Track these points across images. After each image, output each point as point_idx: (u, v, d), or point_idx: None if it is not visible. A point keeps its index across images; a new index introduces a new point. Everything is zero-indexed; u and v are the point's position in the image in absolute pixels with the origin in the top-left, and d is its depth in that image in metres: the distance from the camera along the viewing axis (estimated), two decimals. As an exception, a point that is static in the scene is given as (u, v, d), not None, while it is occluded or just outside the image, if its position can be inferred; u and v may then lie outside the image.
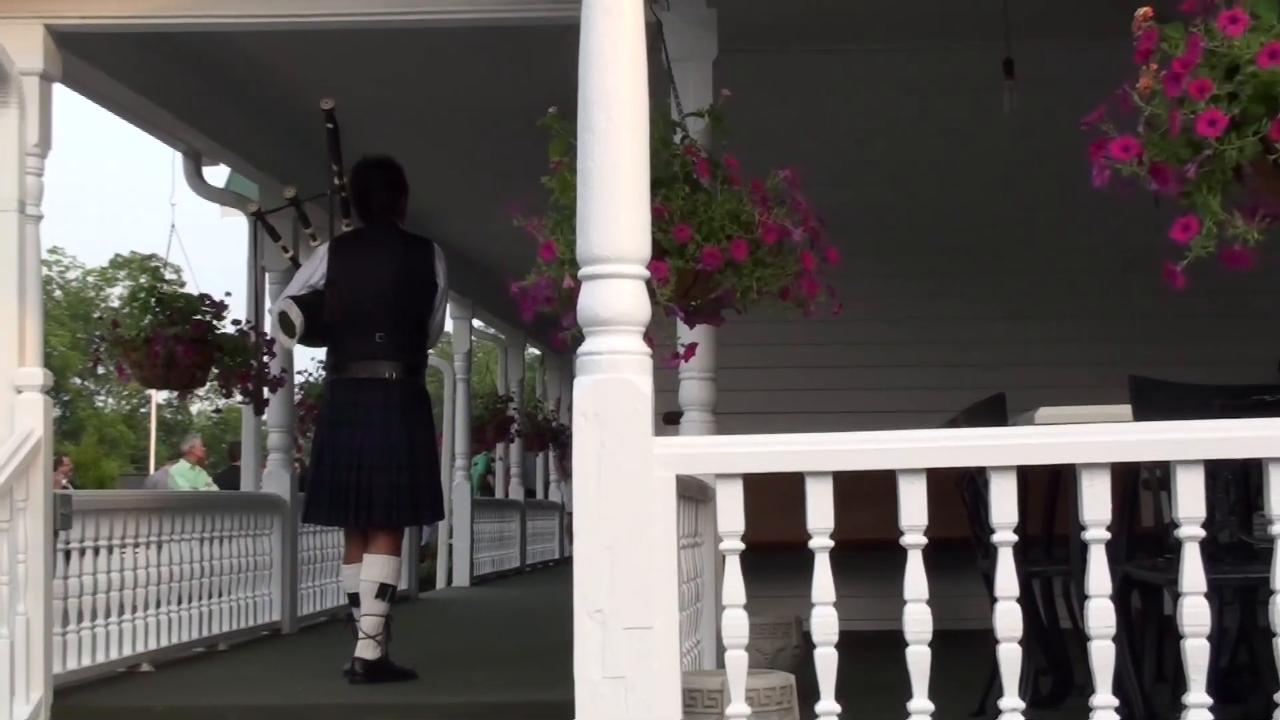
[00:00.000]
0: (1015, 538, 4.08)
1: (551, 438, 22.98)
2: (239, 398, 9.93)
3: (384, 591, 8.03)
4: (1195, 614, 3.98)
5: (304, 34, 8.04)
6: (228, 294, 9.60)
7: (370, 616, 7.98)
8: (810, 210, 4.97)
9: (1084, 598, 4.09)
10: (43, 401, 7.00)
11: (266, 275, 11.33)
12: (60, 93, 7.45)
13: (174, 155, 11.49)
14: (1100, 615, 4.01)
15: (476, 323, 19.56)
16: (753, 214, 4.88)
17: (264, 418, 11.28)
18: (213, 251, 17.33)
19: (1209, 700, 3.97)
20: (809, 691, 4.16)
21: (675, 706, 3.96)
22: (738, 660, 4.06)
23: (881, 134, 10.80)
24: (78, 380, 59.58)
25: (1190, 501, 4.00)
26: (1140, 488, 5.86)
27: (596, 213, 4.02)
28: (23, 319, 6.95)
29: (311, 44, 9.09)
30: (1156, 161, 3.73)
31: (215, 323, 9.26)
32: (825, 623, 4.06)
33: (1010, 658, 4.05)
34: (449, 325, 15.09)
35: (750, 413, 9.29)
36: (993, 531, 4.10)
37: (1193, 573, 3.99)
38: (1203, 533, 4.02)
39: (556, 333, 4.74)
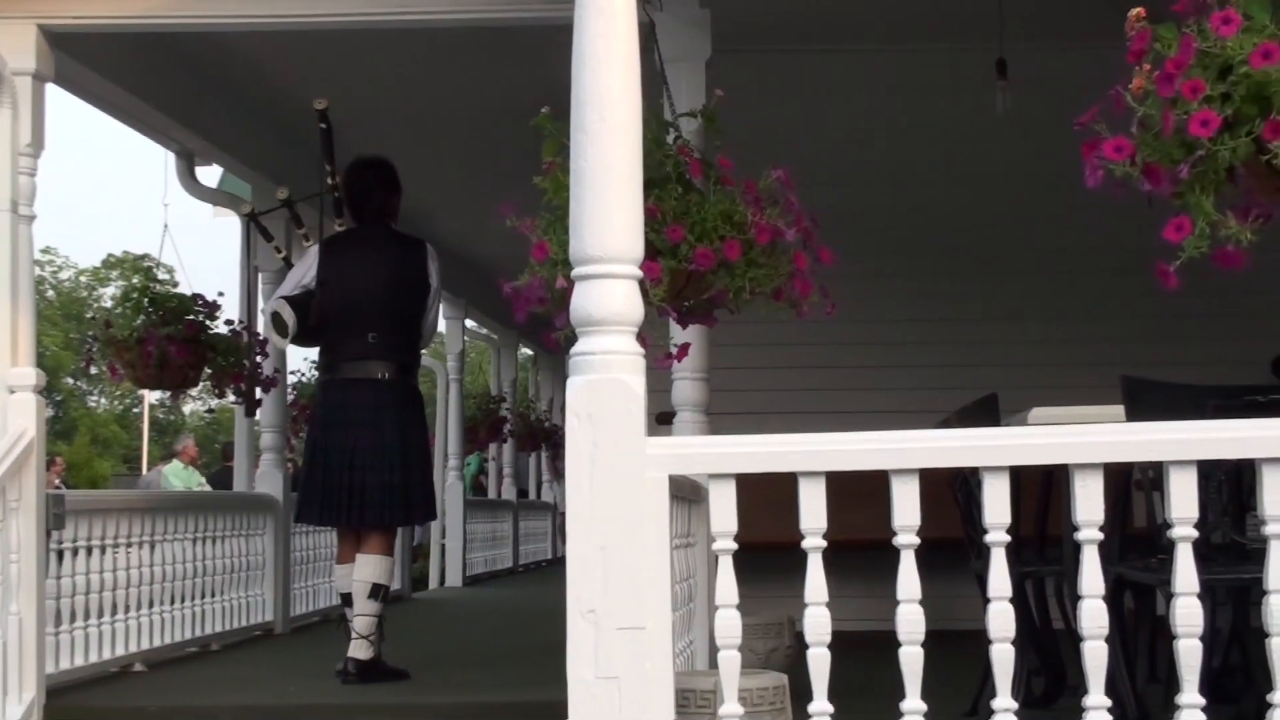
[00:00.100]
0: (1008, 538, 4.08)
1: (544, 438, 22.99)
2: (231, 398, 9.93)
3: (377, 591, 8.02)
4: (1188, 614, 3.98)
5: (297, 34, 8.04)
6: (220, 294, 9.60)
7: (363, 616, 7.98)
8: (803, 211, 4.98)
9: (1077, 598, 4.09)
10: (35, 401, 6.99)
11: (259, 275, 11.34)
12: (53, 92, 7.46)
13: (167, 155, 11.47)
14: (1093, 616, 4.02)
15: (469, 323, 19.56)
16: (746, 214, 4.88)
17: (256, 418, 11.27)
18: (205, 252, 17.36)
19: (1202, 701, 3.97)
20: (802, 692, 4.16)
21: (668, 707, 3.96)
22: (730, 660, 4.06)
23: (874, 134, 10.81)
24: (70, 380, 59.60)
25: (1183, 502, 4.00)
26: (1133, 488, 5.88)
27: (590, 213, 4.02)
28: (15, 319, 6.94)
29: (304, 44, 9.10)
30: (1149, 162, 3.73)
31: (208, 323, 9.25)
32: (818, 623, 4.06)
33: (1003, 658, 4.05)
34: (441, 325, 15.10)
35: (743, 413, 9.30)
36: (985, 532, 4.10)
37: (1185, 573, 3.99)
38: (1195, 533, 4.02)
39: (549, 333, 4.74)
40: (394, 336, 8.20)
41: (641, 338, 4.10)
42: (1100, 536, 4.05)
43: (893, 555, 4.07)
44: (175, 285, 9.41)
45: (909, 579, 4.05)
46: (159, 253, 10.38)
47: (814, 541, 4.07)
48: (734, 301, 5.02)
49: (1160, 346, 10.14)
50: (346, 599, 8.14)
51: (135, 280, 9.46)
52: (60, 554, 8.07)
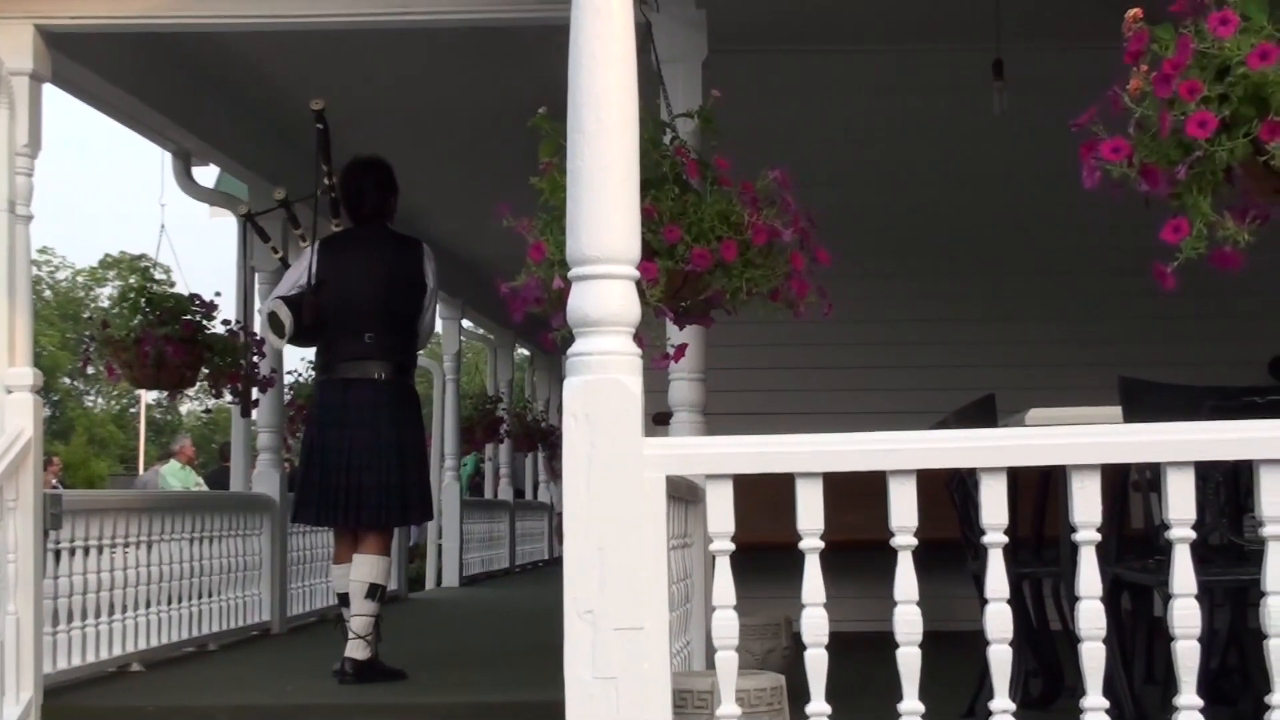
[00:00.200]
0: (1005, 539, 4.08)
1: (540, 438, 23.00)
2: (228, 398, 9.92)
3: (374, 591, 8.02)
4: (1185, 616, 3.98)
5: (294, 34, 8.03)
6: (217, 294, 9.60)
7: (360, 616, 7.98)
8: (800, 211, 4.97)
9: (1074, 599, 4.09)
10: (33, 401, 6.98)
11: (256, 275, 11.34)
12: (50, 92, 7.45)
13: (163, 155, 11.47)
14: (1091, 617, 4.02)
15: (466, 323, 19.56)
16: (742, 215, 4.88)
17: (253, 418, 11.27)
18: (202, 252, 17.36)
19: (1199, 702, 3.97)
20: (799, 692, 4.16)
21: (665, 707, 3.95)
22: (728, 661, 4.06)
23: (871, 135, 10.81)
24: (67, 380, 59.61)
25: (1180, 503, 4.00)
26: (1130, 489, 5.87)
27: (586, 213, 4.02)
28: (13, 319, 6.94)
29: (302, 44, 9.09)
30: (1147, 163, 3.73)
31: (205, 323, 9.25)
32: (815, 624, 4.06)
33: (1001, 659, 4.05)
34: (438, 326, 15.10)
35: (740, 413, 9.33)
36: (983, 533, 4.10)
37: (1183, 574, 3.99)
38: (1193, 534, 4.02)
39: (546, 333, 4.74)
40: (391, 337, 8.20)
41: (638, 338, 4.10)
42: (1098, 537, 4.05)
43: (890, 556, 4.07)
44: (172, 285, 9.41)
45: (906, 580, 4.05)
46: (156, 253, 10.38)
47: (811, 542, 4.07)
48: (731, 302, 5.01)
49: (1158, 347, 10.15)
50: (343, 599, 8.14)
51: (132, 280, 9.45)
52: (57, 554, 8.07)
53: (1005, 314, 10.85)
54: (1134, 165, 3.73)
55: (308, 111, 8.37)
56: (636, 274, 4.10)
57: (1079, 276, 10.80)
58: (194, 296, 9.35)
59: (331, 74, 9.97)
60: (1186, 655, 3.97)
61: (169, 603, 9.44)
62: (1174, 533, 4.00)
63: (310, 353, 9.08)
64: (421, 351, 8.85)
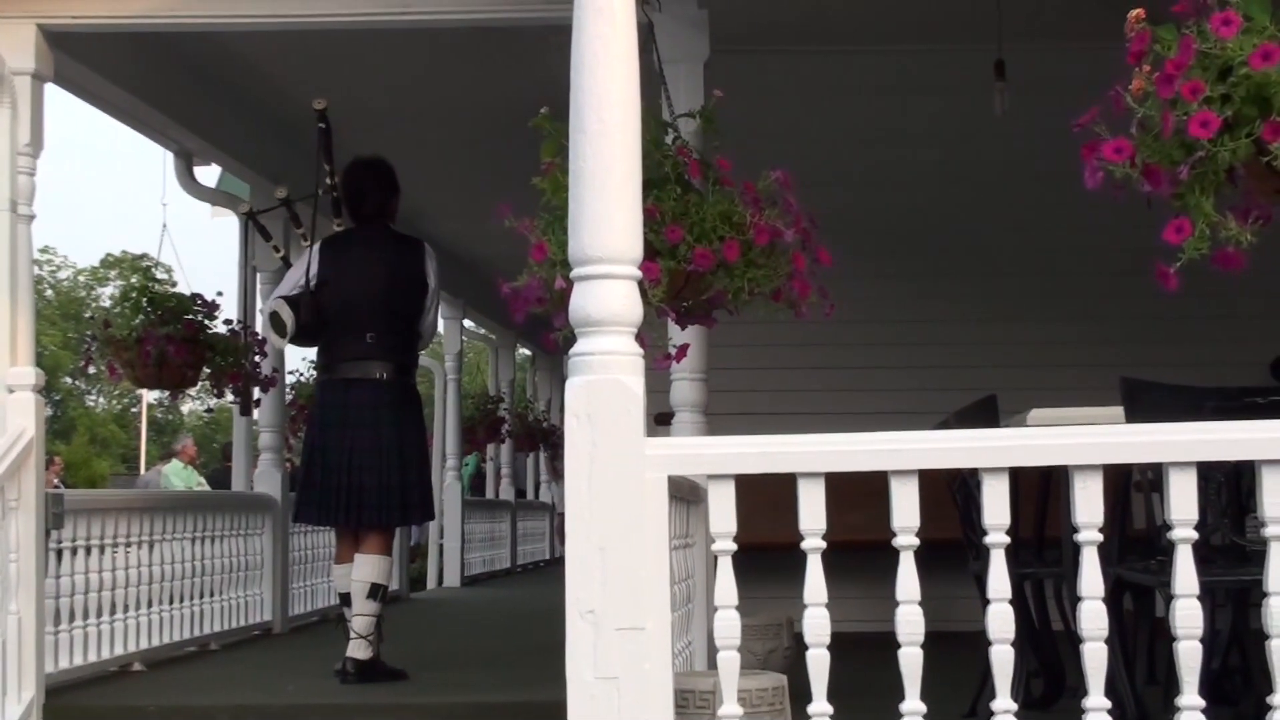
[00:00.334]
0: (1007, 539, 4.08)
1: (542, 438, 23.01)
2: (230, 398, 9.93)
3: (375, 591, 8.02)
4: (1188, 616, 3.98)
5: (296, 34, 8.03)
6: (219, 294, 9.59)
7: (362, 616, 7.98)
8: (802, 211, 4.97)
9: (1076, 599, 4.09)
10: (35, 401, 6.98)
11: (257, 275, 11.34)
12: (52, 92, 7.45)
13: (165, 155, 11.47)
14: (1093, 617, 4.01)
15: (467, 323, 19.56)
16: (744, 215, 4.88)
17: (255, 417, 11.28)
18: (204, 252, 17.37)
19: (1201, 702, 3.97)
20: (801, 693, 4.15)
21: (667, 707, 3.95)
22: (730, 661, 4.06)
23: (872, 135, 10.81)
24: (69, 380, 59.61)
25: (1182, 503, 4.00)
26: (1132, 490, 5.87)
27: (589, 213, 4.02)
28: (14, 318, 6.94)
29: (304, 44, 9.09)
30: (1149, 163, 3.73)
31: (207, 322, 9.25)
32: (817, 624, 4.06)
33: (1003, 659, 4.05)
34: (440, 326, 15.08)
35: (742, 414, 9.33)
36: (985, 533, 4.10)
37: (1185, 575, 3.99)
38: (1195, 535, 4.02)
39: (548, 333, 4.73)
40: (392, 337, 8.20)
41: (640, 338, 4.10)
42: (1100, 538, 4.05)
43: (892, 556, 4.07)
44: (174, 285, 9.40)
45: (908, 580, 4.05)
46: (157, 252, 10.39)
47: (813, 542, 4.07)
48: (733, 302, 5.01)
49: (1159, 348, 10.15)
50: (345, 599, 8.14)
51: (134, 280, 9.45)
52: (59, 553, 8.07)
53: (1007, 314, 10.85)
54: (1136, 166, 3.73)
55: (309, 111, 8.37)
56: (638, 274, 4.09)
57: (1081, 277, 10.80)
58: (196, 296, 9.35)
59: (333, 74, 9.97)
60: (1188, 656, 3.97)
61: (170, 602, 9.45)
62: (1176, 533, 4.00)
63: (312, 353, 9.09)
64: (423, 351, 8.85)
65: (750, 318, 5.23)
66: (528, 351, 26.86)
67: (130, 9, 7.22)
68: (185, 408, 52.82)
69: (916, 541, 4.07)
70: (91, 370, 9.87)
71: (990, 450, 4.15)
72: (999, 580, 4.07)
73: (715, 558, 4.11)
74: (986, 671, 4.22)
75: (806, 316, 5.16)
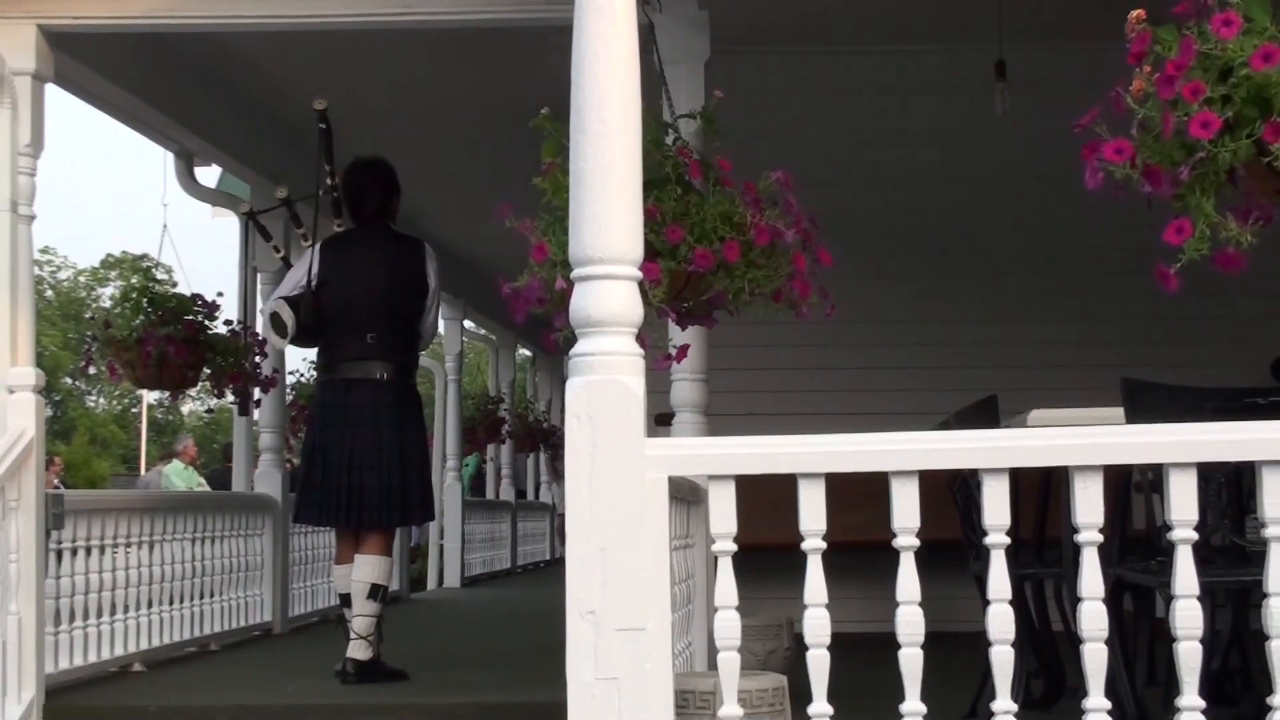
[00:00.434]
0: (1008, 540, 4.08)
1: (542, 439, 23.01)
2: (230, 398, 9.93)
3: (375, 592, 8.02)
4: (1188, 617, 3.98)
5: (297, 34, 8.03)
6: (219, 294, 9.59)
7: (362, 617, 7.98)
8: (802, 212, 4.97)
9: (1076, 600, 4.09)
10: (35, 401, 6.98)
11: (258, 275, 11.34)
12: (53, 92, 7.45)
13: (165, 155, 11.48)
14: (1093, 618, 4.01)
15: (468, 324, 19.56)
16: (745, 215, 4.88)
17: (255, 418, 11.28)
18: (204, 252, 17.38)
19: (1201, 703, 3.97)
20: (801, 693, 4.16)
21: (668, 708, 3.95)
22: (730, 662, 4.06)
23: (873, 136, 10.81)
24: (69, 380, 59.63)
25: (1182, 504, 4.00)
26: (1133, 490, 5.87)
27: (589, 214, 4.02)
28: (15, 319, 6.94)
29: (304, 44, 9.09)
30: (1149, 164, 3.73)
31: (207, 323, 9.24)
32: (817, 624, 4.06)
33: (1003, 660, 4.05)
34: (440, 326, 15.09)
35: (742, 414, 9.33)
36: (985, 534, 4.10)
37: (1185, 576, 3.99)
38: (1195, 535, 4.01)
39: (548, 334, 4.73)
40: (393, 337, 8.20)
41: (641, 339, 4.10)
42: (1100, 538, 4.05)
43: (892, 557, 4.07)
44: (174, 285, 9.40)
45: (908, 581, 4.05)
46: (158, 253, 10.39)
47: (813, 543, 4.07)
48: (733, 303, 5.01)
49: (1160, 348, 10.15)
50: (345, 599, 8.14)
51: (134, 280, 9.44)
52: (59, 554, 8.07)
53: (1007, 315, 10.85)
54: (1137, 166, 3.74)
55: (310, 111, 8.37)
56: (639, 274, 4.10)
57: (1081, 277, 10.80)
58: (196, 296, 9.34)
59: (333, 74, 9.97)
60: (1188, 656, 3.97)
61: (170, 603, 9.45)
62: (1176, 534, 4.00)
63: (312, 353, 9.09)
64: (423, 352, 8.85)
65: (751, 318, 5.23)
66: (528, 352, 26.86)
67: (131, 10, 7.22)
68: (185, 408, 52.86)
69: (917, 542, 4.07)
70: (92, 371, 9.87)
71: (990, 451, 4.15)
72: (999, 581, 4.07)
73: (715, 558, 4.11)
74: (986, 672, 4.22)
75: (807, 317, 5.16)
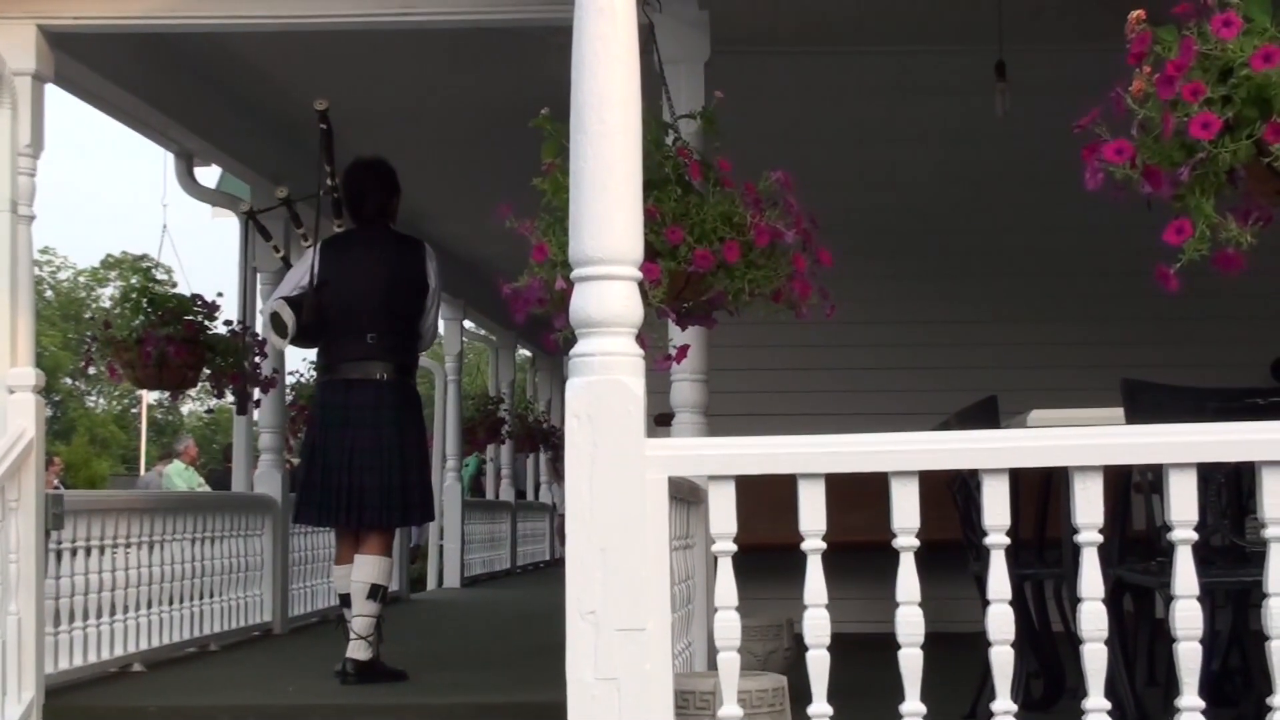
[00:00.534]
0: (1007, 540, 4.08)
1: (542, 439, 23.01)
2: (230, 398, 9.93)
3: (375, 592, 8.02)
4: (1187, 617, 3.98)
5: (297, 34, 8.03)
6: (219, 294, 9.60)
7: (362, 617, 7.98)
8: (802, 212, 4.97)
9: (1076, 600, 4.09)
10: (35, 401, 6.98)
11: (258, 276, 11.34)
12: (53, 92, 7.45)
13: (165, 155, 11.48)
14: (1093, 618, 4.01)
15: (468, 324, 19.56)
16: (745, 216, 4.87)
17: (255, 418, 11.28)
18: (204, 252, 17.38)
19: (1201, 704, 3.97)
20: (801, 693, 4.15)
21: (667, 708, 3.95)
22: (730, 662, 4.06)
23: (873, 136, 10.81)
24: (69, 380, 59.60)
25: (1182, 505, 4.00)
26: (1132, 491, 5.87)
27: (589, 214, 4.02)
28: (15, 319, 6.94)
29: (304, 44, 9.09)
30: (1149, 164, 3.73)
31: (207, 323, 9.25)
32: (817, 625, 4.06)
33: (1002, 660, 4.05)
34: (440, 326, 15.09)
35: (742, 414, 9.32)
36: (985, 534, 4.10)
37: (1185, 576, 3.99)
38: (1195, 536, 4.01)
39: (548, 334, 4.73)
40: (393, 337, 8.20)
41: (641, 339, 4.10)
42: (1100, 539, 4.05)
43: (892, 557, 4.07)
44: (174, 285, 9.41)
45: (908, 581, 4.05)
46: (158, 253, 10.40)
47: (813, 543, 4.07)
48: (733, 303, 5.01)
49: (1160, 349, 10.15)
50: (345, 600, 8.14)
51: (134, 280, 9.45)
52: (59, 554, 8.07)
53: (1007, 315, 10.84)
54: (1137, 167, 3.74)
55: (310, 111, 8.37)
56: (639, 275, 4.09)
57: (1081, 278, 10.80)
58: (196, 297, 9.35)
59: (334, 74, 9.97)
60: (1188, 657, 3.97)
61: (170, 603, 9.45)
62: (1176, 534, 4.00)
63: (312, 353, 9.09)
64: (424, 353, 8.85)
65: (751, 318, 5.23)
66: (528, 352, 26.85)
67: (131, 10, 7.22)
68: (185, 408, 52.90)
69: (916, 542, 4.07)
70: (92, 371, 9.87)
71: (990, 451, 4.15)
72: (999, 581, 4.07)
73: (715, 558, 4.11)
74: (986, 672, 4.22)
75: (807, 317, 5.16)
